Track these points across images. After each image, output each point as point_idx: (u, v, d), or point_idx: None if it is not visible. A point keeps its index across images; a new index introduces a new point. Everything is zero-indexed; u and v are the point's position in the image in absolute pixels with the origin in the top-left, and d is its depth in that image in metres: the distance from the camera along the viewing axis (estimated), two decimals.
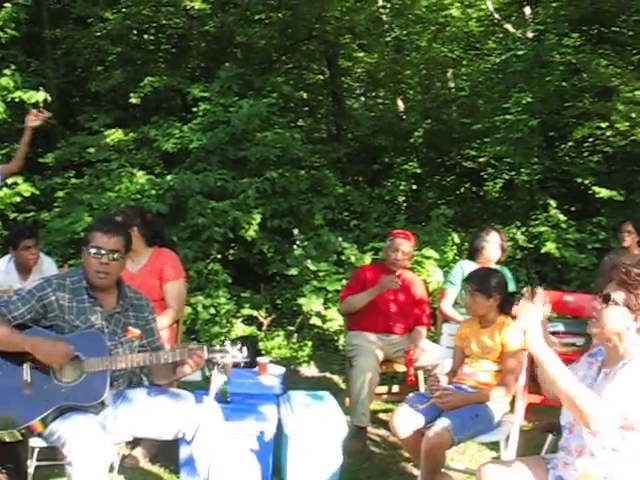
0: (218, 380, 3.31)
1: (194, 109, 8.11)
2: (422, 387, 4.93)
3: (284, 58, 10.98)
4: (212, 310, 6.69)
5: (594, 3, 9.19)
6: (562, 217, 7.91)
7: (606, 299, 2.62)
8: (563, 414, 2.80)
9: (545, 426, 3.35)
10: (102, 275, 3.22)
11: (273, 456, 3.92)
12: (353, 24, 10.13)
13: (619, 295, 2.59)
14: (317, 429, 3.81)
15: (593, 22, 9.61)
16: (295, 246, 7.33)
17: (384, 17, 10.92)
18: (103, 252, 3.19)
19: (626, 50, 9.19)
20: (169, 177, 7.35)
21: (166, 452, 4.11)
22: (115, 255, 3.23)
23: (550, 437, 3.26)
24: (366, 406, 4.58)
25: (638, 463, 2.54)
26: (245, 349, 3.26)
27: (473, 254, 5.29)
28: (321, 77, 11.85)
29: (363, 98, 13.29)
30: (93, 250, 3.20)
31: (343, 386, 5.72)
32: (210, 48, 10.37)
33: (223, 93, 8.06)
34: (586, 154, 8.48)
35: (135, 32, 10.27)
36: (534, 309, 2.64)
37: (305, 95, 11.29)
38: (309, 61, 11.54)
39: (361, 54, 11.67)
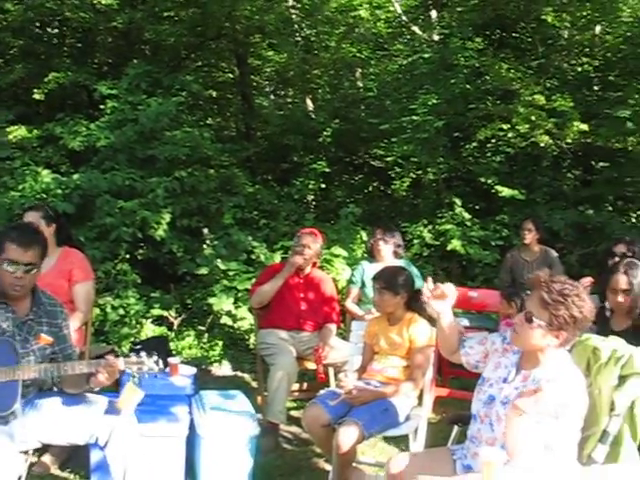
0: (135, 394, 3.26)
1: (101, 106, 7.92)
2: (332, 384, 5.00)
3: (193, 56, 10.84)
4: (121, 311, 6.56)
5: (496, 9, 9.49)
6: (467, 215, 8.14)
7: (528, 319, 2.66)
8: (474, 403, 2.90)
9: (451, 418, 3.45)
10: (17, 288, 3.11)
11: (186, 457, 3.90)
12: (263, 23, 10.11)
13: (542, 316, 2.63)
14: (229, 428, 3.81)
15: (495, 27, 9.94)
16: (205, 245, 7.29)
17: (294, 17, 10.96)
18: (18, 267, 3.06)
19: (526, 55, 9.54)
20: (76, 176, 7.16)
21: (76, 458, 4.02)
22: (31, 268, 3.11)
23: (456, 428, 3.37)
24: (283, 403, 4.62)
25: (541, 452, 2.64)
26: (161, 361, 3.24)
27: (370, 254, 5.47)
28: (231, 76, 11.78)
29: (273, 97, 13.30)
30: (7, 265, 3.06)
31: (255, 384, 5.74)
32: (117, 44, 10.15)
33: (131, 91, 7.91)
34: (489, 154, 8.75)
35: (38, 25, 9.92)
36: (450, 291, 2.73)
37: (214, 94, 11.24)
38: (218, 60, 11.43)
39: (271, 53, 11.67)
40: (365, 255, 6.54)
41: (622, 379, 2.86)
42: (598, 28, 9.91)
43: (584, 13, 9.72)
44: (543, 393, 2.52)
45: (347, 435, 3.50)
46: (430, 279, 3.06)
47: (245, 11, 9.75)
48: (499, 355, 2.91)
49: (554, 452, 2.63)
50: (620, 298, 3.98)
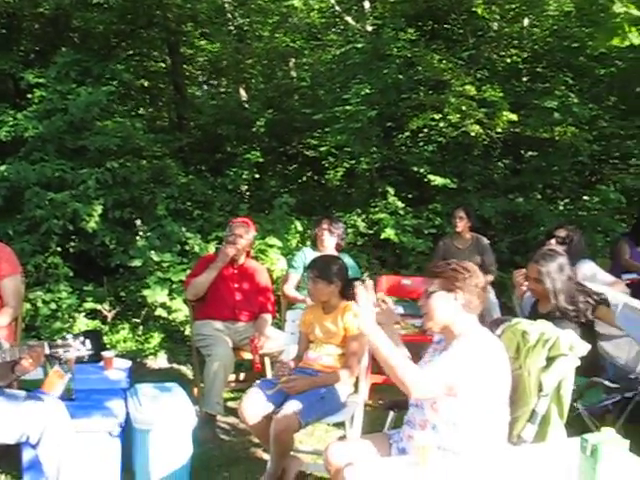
0: (60, 378, 3.20)
1: (29, 95, 7.72)
2: (269, 373, 5.02)
3: (124, 44, 10.62)
4: (53, 305, 6.43)
5: (427, 1, 9.61)
6: (400, 204, 8.24)
7: (426, 293, 2.88)
8: None
9: (387, 404, 3.51)
10: None
11: (123, 452, 3.86)
12: (195, 12, 9.99)
13: (434, 283, 2.86)
14: (166, 421, 3.78)
15: (427, 19, 10.05)
16: (138, 237, 7.18)
17: (226, 6, 10.87)
18: None
19: (457, 46, 9.67)
20: (3, 167, 6.96)
21: (7, 457, 3.90)
22: None
23: (392, 414, 3.42)
24: (220, 394, 4.62)
25: (472, 435, 2.74)
26: (88, 342, 3.19)
27: (313, 242, 5.51)
28: (163, 65, 11.60)
29: (206, 87, 13.16)
30: None
31: (191, 376, 5.72)
32: (45, 31, 9.86)
33: (60, 79, 7.71)
34: (421, 144, 8.85)
35: None
36: (365, 296, 2.79)
37: (146, 83, 11.05)
38: (150, 48, 11.22)
39: (203, 42, 11.55)
40: (299, 245, 6.56)
41: (549, 360, 2.95)
42: (526, 21, 10.14)
43: (513, 6, 9.94)
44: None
45: (284, 424, 3.53)
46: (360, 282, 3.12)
47: None
48: (431, 354, 3.03)
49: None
50: (533, 285, 4.14)
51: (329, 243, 5.48)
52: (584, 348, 2.97)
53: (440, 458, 2.46)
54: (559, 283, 4.11)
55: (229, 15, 11.00)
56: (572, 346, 2.93)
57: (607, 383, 4.07)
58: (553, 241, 5.09)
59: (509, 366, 2.85)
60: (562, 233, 5.16)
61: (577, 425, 3.58)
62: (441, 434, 2.72)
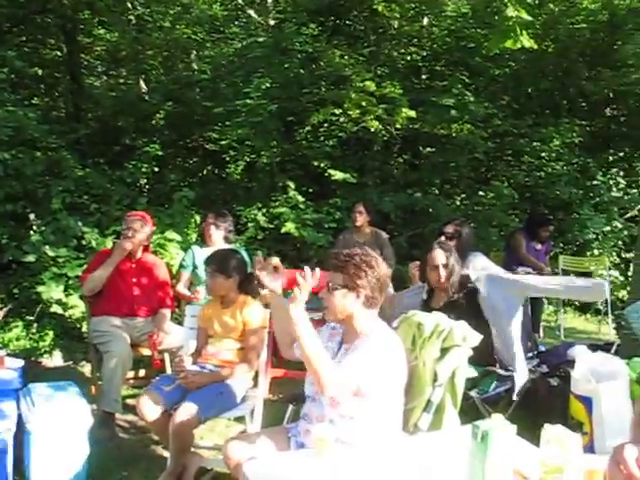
0: None
1: None
2: (169, 369, 4.96)
3: (16, 30, 10.22)
4: None
5: None
6: (300, 198, 8.28)
7: (329, 287, 2.86)
8: (306, 385, 2.99)
9: (286, 397, 3.54)
10: None
11: (14, 455, 3.72)
12: None
13: (336, 279, 2.84)
14: (60, 421, 3.69)
15: (329, 14, 10.13)
16: (32, 232, 6.94)
17: None
18: None
19: (358, 43, 9.81)
20: None
21: None
22: None
23: (291, 407, 3.44)
24: (118, 392, 4.53)
25: (369, 428, 2.79)
26: None
27: (202, 239, 5.48)
28: (59, 53, 11.23)
29: (105, 77, 12.81)
30: None
31: (89, 374, 5.57)
32: None
33: None
34: (322, 139, 8.91)
35: None
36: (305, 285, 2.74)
37: (41, 72, 10.67)
38: (45, 35, 10.84)
39: (102, 31, 11.24)
40: (199, 239, 6.51)
41: (444, 351, 3.04)
42: (426, 20, 10.39)
43: (412, 5, 10.15)
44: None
45: (183, 420, 3.49)
46: (260, 253, 3.10)
47: None
48: (326, 341, 3.03)
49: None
50: (441, 272, 4.24)
51: (216, 237, 5.46)
52: (477, 338, 3.07)
53: (337, 450, 2.49)
54: (456, 276, 4.26)
55: (129, 4, 10.74)
56: (465, 337, 3.03)
57: (500, 371, 4.24)
58: (443, 237, 5.24)
59: (406, 359, 2.91)
60: (450, 229, 5.32)
61: (472, 413, 3.70)
62: (338, 427, 2.75)
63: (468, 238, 5.18)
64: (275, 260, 3.01)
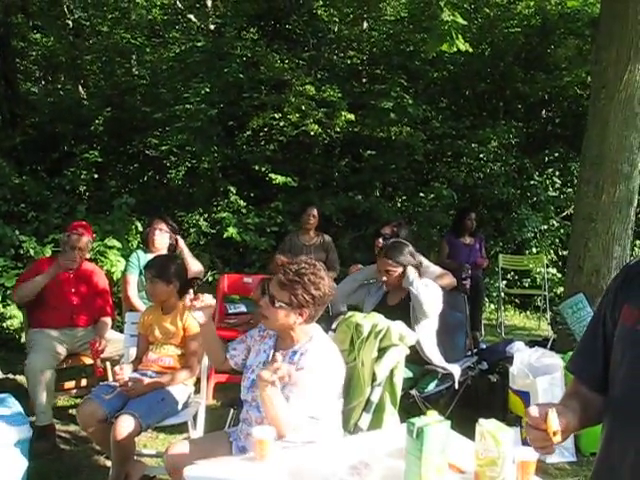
0: None
1: None
2: (111, 377, 4.89)
3: None
4: None
5: (269, 1, 9.71)
6: (242, 203, 8.29)
7: (272, 301, 2.81)
8: (242, 390, 2.98)
9: (226, 402, 3.53)
10: None
11: None
12: (25, 3, 9.54)
13: (282, 297, 2.78)
14: None
15: (269, 19, 10.17)
16: None
17: None
18: None
19: (298, 47, 9.85)
20: None
21: None
22: None
23: (232, 412, 3.44)
24: (45, 404, 4.41)
25: (310, 428, 2.78)
26: None
27: (145, 244, 5.40)
28: None
29: (43, 83, 12.60)
30: None
31: None
32: None
33: None
34: (262, 143, 8.93)
35: None
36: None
37: None
38: None
39: (37, 36, 11.05)
40: (141, 245, 6.43)
41: (382, 351, 3.08)
42: (365, 24, 10.49)
43: (351, 10, 10.25)
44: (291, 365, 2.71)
45: (123, 428, 3.45)
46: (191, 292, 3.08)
47: None
48: (258, 343, 3.03)
49: (319, 420, 2.79)
50: (384, 277, 4.33)
51: (160, 243, 5.38)
52: (413, 337, 3.12)
53: (278, 451, 2.51)
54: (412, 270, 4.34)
55: (65, 8, 10.58)
56: (402, 336, 3.08)
57: (440, 370, 4.32)
58: (380, 239, 5.31)
59: (344, 360, 2.93)
60: (387, 230, 5.40)
61: (415, 411, 3.75)
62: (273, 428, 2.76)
63: (405, 239, 5.25)
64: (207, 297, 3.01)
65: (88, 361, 4.84)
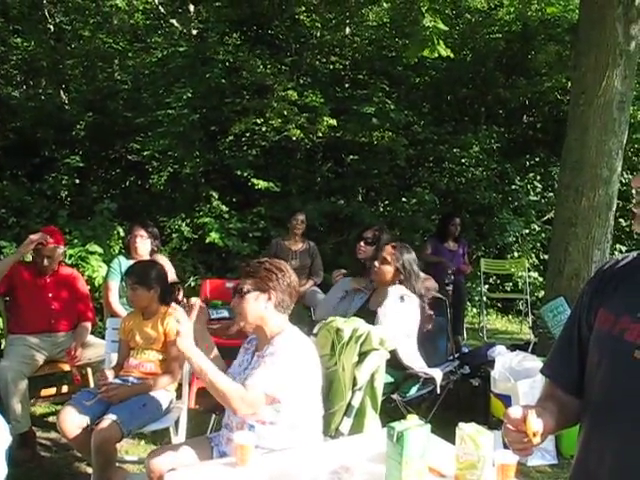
0: None
1: None
2: (92, 384, 4.87)
3: None
4: None
5: (252, 6, 9.71)
6: (224, 208, 8.28)
7: (240, 293, 2.87)
8: None
9: (208, 407, 3.52)
10: None
11: None
12: (5, 7, 9.49)
13: (247, 283, 2.86)
14: None
15: (251, 24, 10.17)
16: None
17: (45, 2, 10.41)
18: None
19: (280, 52, 9.86)
20: None
21: None
22: None
23: (214, 417, 3.44)
24: (19, 411, 4.36)
25: (290, 433, 2.80)
26: None
27: (127, 251, 5.36)
28: None
29: (25, 87, 12.50)
30: None
31: None
32: None
33: None
34: (245, 148, 8.92)
35: None
36: (184, 317, 2.73)
37: None
38: None
39: (18, 40, 10.98)
40: (122, 251, 6.41)
41: (362, 355, 3.09)
42: (347, 30, 10.51)
43: (333, 15, 10.27)
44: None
45: (105, 435, 3.43)
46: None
47: None
48: (242, 355, 3.06)
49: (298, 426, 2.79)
50: (377, 264, 4.42)
51: (142, 249, 5.34)
52: (394, 342, 3.14)
53: (258, 456, 2.51)
54: (410, 274, 4.36)
55: (46, 12, 10.54)
56: (382, 340, 3.09)
57: (422, 374, 4.33)
58: (362, 242, 5.33)
59: (319, 361, 2.94)
60: (369, 234, 5.42)
61: (397, 416, 3.76)
62: (258, 433, 2.75)
63: (387, 243, 5.28)
64: (192, 300, 3.02)
65: (67, 368, 4.80)
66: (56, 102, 10.55)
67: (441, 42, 6.84)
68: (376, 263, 4.44)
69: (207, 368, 2.66)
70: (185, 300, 3.06)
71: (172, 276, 5.31)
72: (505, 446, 1.87)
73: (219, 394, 2.65)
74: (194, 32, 9.92)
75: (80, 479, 4.10)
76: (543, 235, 9.87)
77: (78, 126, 9.49)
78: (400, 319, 4.21)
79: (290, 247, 6.71)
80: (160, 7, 10.26)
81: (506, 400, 4.54)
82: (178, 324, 2.66)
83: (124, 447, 4.31)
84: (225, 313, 5.55)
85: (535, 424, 1.69)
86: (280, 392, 2.72)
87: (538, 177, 10.42)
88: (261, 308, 2.86)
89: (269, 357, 2.77)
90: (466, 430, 2.23)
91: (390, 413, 3.85)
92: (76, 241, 6.84)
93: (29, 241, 4.67)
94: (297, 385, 2.78)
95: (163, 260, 5.31)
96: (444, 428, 2.59)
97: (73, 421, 3.61)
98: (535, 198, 10.26)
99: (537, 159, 10.59)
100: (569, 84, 8.35)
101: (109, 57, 10.82)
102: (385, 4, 10.59)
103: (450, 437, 2.46)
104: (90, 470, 3.85)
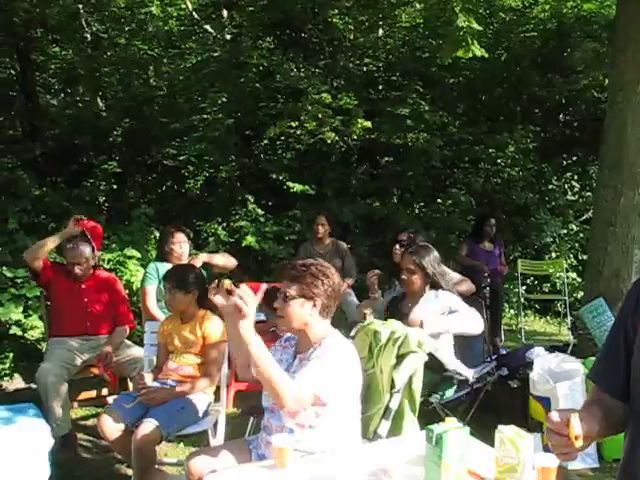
0: None
1: None
2: (131, 387, 4.92)
3: None
4: None
5: (284, 10, 9.75)
6: (260, 211, 8.32)
7: (284, 297, 2.83)
8: (263, 398, 2.98)
9: (245, 410, 3.53)
10: None
11: None
12: (45, 17, 9.64)
13: (293, 289, 2.81)
14: (19, 444, 3.63)
15: (285, 28, 10.20)
16: None
17: (82, 12, 10.56)
18: None
19: (314, 55, 9.88)
20: None
21: None
22: None
23: (252, 420, 3.45)
24: (60, 414, 4.42)
25: (329, 436, 2.79)
26: None
27: (163, 256, 5.37)
28: (12, 72, 11.13)
29: (62, 95, 12.71)
30: None
31: None
32: None
33: None
34: (280, 151, 8.96)
35: None
36: (251, 297, 2.66)
37: None
38: None
39: (57, 49, 11.16)
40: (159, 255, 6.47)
41: (400, 358, 3.08)
42: (380, 32, 10.49)
43: (367, 17, 10.26)
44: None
45: (144, 437, 3.47)
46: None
47: (24, 3, 9.23)
48: (280, 353, 3.02)
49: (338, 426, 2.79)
50: (403, 276, 4.32)
51: (185, 255, 5.38)
52: (432, 345, 3.12)
53: (297, 459, 2.51)
54: (438, 275, 4.33)
55: (83, 22, 10.69)
56: (420, 343, 3.08)
57: (458, 377, 4.30)
58: (397, 245, 5.31)
59: (360, 365, 2.93)
60: (404, 237, 5.40)
61: (434, 418, 3.74)
62: (297, 436, 2.75)
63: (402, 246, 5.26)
64: (227, 283, 2.95)
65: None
66: (93, 109, 10.69)
67: (475, 42, 6.78)
68: (403, 276, 4.40)
69: (264, 356, 2.60)
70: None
71: (233, 261, 5.52)
72: (545, 449, 1.85)
73: (270, 385, 2.59)
74: (228, 37, 9.97)
75: None
76: (581, 235, 9.75)
77: (115, 132, 9.62)
78: (438, 321, 4.19)
79: (318, 250, 6.74)
80: (194, 13, 10.33)
81: (545, 402, 4.48)
82: (242, 302, 2.55)
83: (163, 449, 4.34)
84: (262, 316, 5.56)
85: (578, 428, 1.67)
86: (326, 395, 2.71)
87: (576, 176, 10.30)
88: (306, 315, 2.83)
89: (316, 360, 2.74)
90: (506, 433, 2.21)
91: (427, 415, 3.83)
92: (114, 246, 6.92)
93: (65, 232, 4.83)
94: (342, 389, 2.77)
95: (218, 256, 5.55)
96: (482, 430, 2.57)
97: (113, 424, 3.65)
98: (573, 198, 10.15)
99: (574, 158, 10.47)
100: (606, 81, 8.22)
101: (144, 64, 10.94)
102: (418, 5, 10.53)
103: (488, 439, 2.44)
104: (130, 472, 3.90)
